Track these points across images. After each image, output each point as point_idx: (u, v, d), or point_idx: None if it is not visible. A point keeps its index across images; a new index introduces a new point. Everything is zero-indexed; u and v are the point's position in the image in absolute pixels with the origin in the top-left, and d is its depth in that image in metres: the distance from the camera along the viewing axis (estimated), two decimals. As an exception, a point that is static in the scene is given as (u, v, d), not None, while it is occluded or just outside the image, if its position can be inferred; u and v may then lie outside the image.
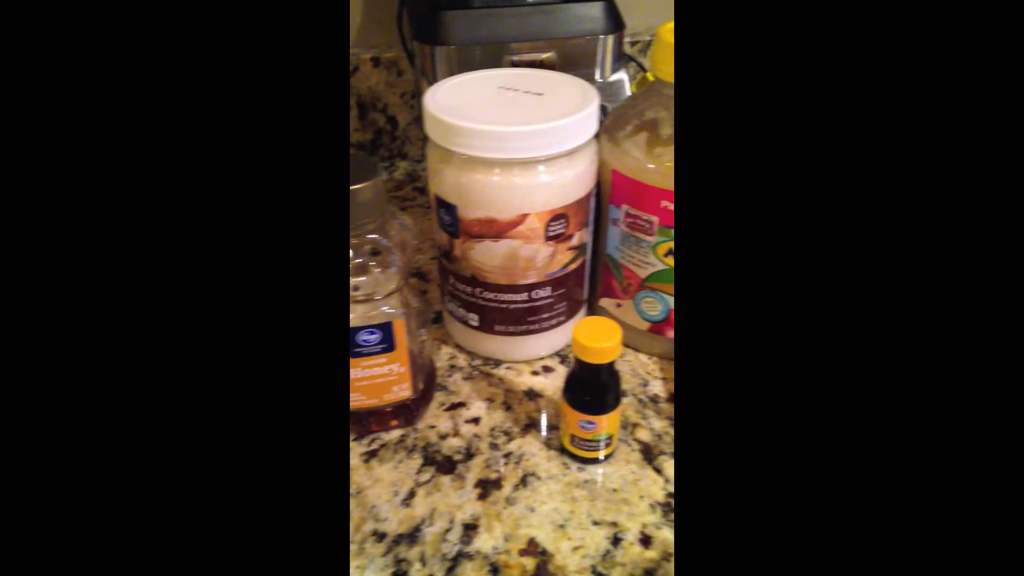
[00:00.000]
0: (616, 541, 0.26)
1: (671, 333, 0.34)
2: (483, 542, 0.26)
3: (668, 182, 0.29)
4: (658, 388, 0.33)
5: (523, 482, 0.28)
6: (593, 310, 0.37)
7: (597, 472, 0.29)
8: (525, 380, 0.34)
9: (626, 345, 0.36)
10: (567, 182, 0.29)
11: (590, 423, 0.27)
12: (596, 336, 0.26)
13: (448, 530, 0.26)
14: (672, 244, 0.31)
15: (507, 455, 0.30)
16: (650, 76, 0.35)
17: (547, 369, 0.35)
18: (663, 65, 0.29)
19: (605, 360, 0.26)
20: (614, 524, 0.26)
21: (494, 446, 0.30)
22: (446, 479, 0.28)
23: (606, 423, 0.28)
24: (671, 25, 0.30)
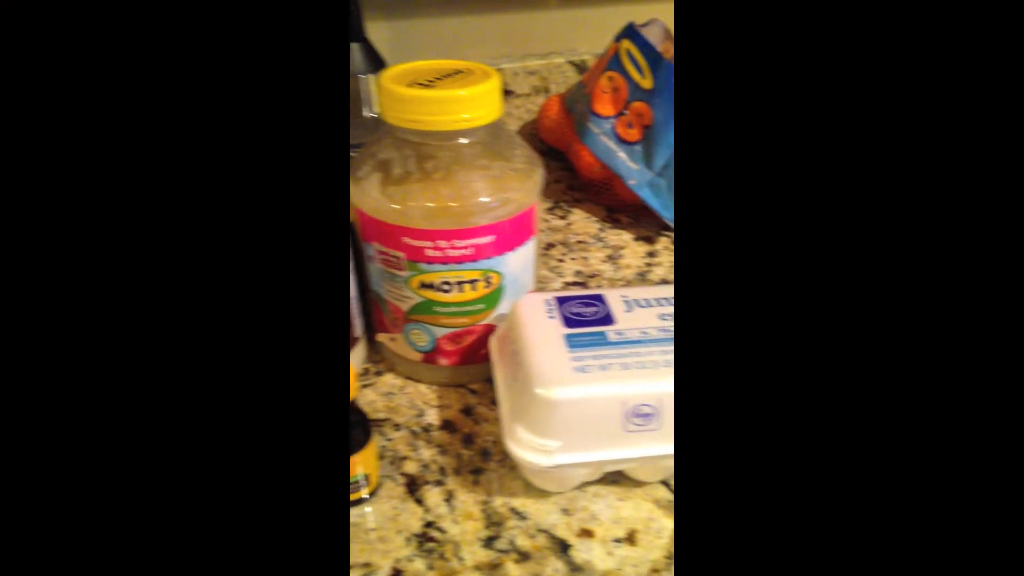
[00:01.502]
0: (366, 582, 0.26)
1: (443, 361, 0.35)
2: (225, 610, 0.25)
3: (405, 219, 0.30)
4: (432, 417, 0.34)
5: (277, 537, 0.28)
6: (373, 345, 0.37)
7: (360, 513, 0.29)
8: (297, 427, 0.33)
9: (406, 377, 0.37)
10: (303, 227, 0.29)
11: (340, 467, 0.28)
12: (329, 381, 0.26)
13: (187, 604, 0.25)
14: (423, 277, 0.32)
15: (265, 510, 0.29)
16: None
17: (322, 412, 0.34)
18: (387, 110, 0.30)
19: (341, 404, 0.26)
20: (367, 565, 0.27)
21: (253, 503, 0.29)
22: (192, 548, 0.27)
23: (359, 463, 0.28)
24: (392, 71, 0.31)
